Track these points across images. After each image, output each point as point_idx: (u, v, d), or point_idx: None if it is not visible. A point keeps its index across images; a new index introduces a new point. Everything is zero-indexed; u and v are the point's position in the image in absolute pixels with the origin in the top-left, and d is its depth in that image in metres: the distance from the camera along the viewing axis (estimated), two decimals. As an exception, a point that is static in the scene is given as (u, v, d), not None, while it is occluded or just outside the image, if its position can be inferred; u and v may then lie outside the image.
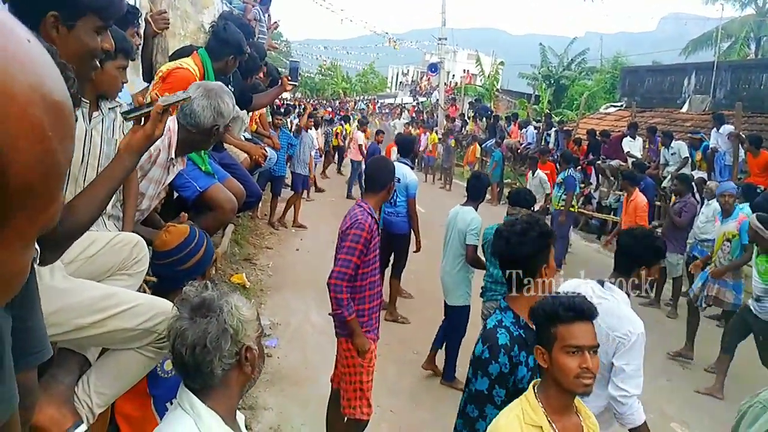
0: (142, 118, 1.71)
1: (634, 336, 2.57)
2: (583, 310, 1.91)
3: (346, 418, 3.48)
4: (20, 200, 0.42)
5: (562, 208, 9.17)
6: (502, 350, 2.16)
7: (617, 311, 2.65)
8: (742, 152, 10.10)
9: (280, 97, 7.66)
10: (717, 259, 6.01)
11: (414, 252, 6.47)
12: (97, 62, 1.78)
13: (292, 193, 10.30)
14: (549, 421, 1.89)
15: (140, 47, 3.99)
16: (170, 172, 2.63)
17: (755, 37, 23.81)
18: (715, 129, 10.99)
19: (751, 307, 5.08)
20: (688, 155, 11.02)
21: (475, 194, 5.28)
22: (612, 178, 11.44)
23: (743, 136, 10.06)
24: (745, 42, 23.71)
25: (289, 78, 4.72)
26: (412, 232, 6.42)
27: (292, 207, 10.15)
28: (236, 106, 4.55)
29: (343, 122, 19.19)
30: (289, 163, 10.51)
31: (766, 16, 23.71)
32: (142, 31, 4.10)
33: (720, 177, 10.38)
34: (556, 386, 1.92)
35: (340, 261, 3.25)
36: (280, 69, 7.94)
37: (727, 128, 10.67)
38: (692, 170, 10.63)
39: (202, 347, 1.44)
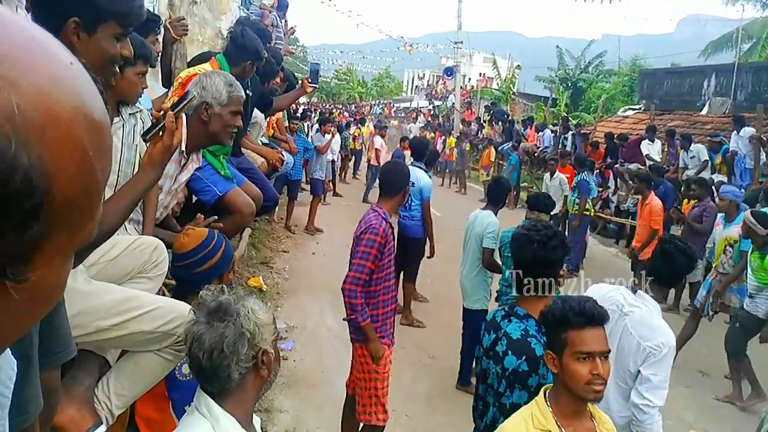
0: (160, 132, 1.75)
1: (666, 348, 2.54)
2: (593, 315, 1.88)
3: (361, 424, 3.48)
4: (62, 218, 0.43)
5: (577, 212, 9.15)
6: (541, 362, 2.13)
7: (650, 321, 2.62)
8: (763, 155, 9.96)
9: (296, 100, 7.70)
10: (720, 264, 6.00)
11: (428, 258, 6.44)
12: (117, 68, 1.82)
13: (311, 197, 10.33)
14: (559, 426, 1.87)
15: (160, 54, 4.05)
16: (184, 168, 2.62)
17: (777, 38, 23.42)
18: (735, 132, 10.85)
19: (744, 305, 5.15)
20: (707, 158, 10.90)
21: (495, 199, 5.26)
22: (630, 182, 11.33)
23: (765, 138, 9.92)
24: (766, 43, 23.33)
25: (310, 80, 4.71)
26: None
27: (311, 209, 10.14)
28: (256, 110, 4.62)
29: (359, 125, 19.23)
30: (305, 168, 10.56)
31: (789, 17, 23.29)
32: (161, 38, 4.17)
33: (740, 180, 10.24)
34: (566, 391, 1.90)
35: (354, 266, 3.26)
36: (296, 74, 7.99)
37: (748, 131, 10.52)
38: (712, 173, 10.50)
39: (219, 352, 1.45)
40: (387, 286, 3.39)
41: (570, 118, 19.85)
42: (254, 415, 1.61)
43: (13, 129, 0.39)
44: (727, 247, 5.97)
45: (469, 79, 36.01)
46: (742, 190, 7.65)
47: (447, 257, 7.04)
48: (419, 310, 6.58)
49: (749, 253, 5.17)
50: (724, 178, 10.28)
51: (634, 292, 2.73)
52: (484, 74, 34.75)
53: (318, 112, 21.28)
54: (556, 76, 27.66)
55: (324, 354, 5.34)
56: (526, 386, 2.12)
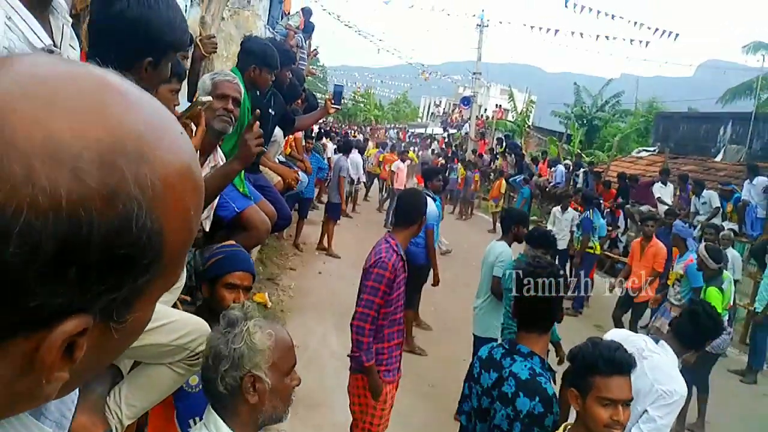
0: None
1: (677, 396, 2.62)
2: (622, 365, 1.94)
3: None
4: (164, 268, 0.50)
5: (579, 249, 9.24)
6: (554, 400, 2.13)
7: (667, 369, 2.71)
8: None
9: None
10: (669, 297, 6.29)
11: (432, 285, 6.44)
12: None
13: (325, 218, 10.37)
14: None
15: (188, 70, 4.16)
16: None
17: (796, 89, 23.49)
18: (748, 180, 10.86)
19: None
20: (719, 205, 10.90)
21: (507, 229, 5.32)
22: (640, 224, 11.34)
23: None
24: (786, 94, 23.39)
25: (333, 101, 4.76)
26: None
27: (327, 232, 10.17)
28: (277, 129, 4.71)
29: (381, 149, 19.58)
30: (318, 187, 10.61)
31: (808, 68, 23.37)
32: (190, 54, 4.29)
33: (751, 230, 10.25)
34: (586, 430, 1.96)
35: (362, 302, 3.19)
36: (314, 93, 8.12)
37: (761, 180, 10.55)
38: (723, 221, 10.49)
39: (208, 361, 1.51)
40: (394, 320, 3.32)
41: (584, 156, 19.91)
42: None
43: (144, 198, 0.45)
44: (676, 282, 6.32)
45: (485, 109, 36.29)
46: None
47: (451, 285, 7.05)
48: (422, 337, 6.57)
49: (704, 288, 5.54)
50: (735, 226, 10.28)
51: (657, 341, 2.81)
52: (500, 106, 35.03)
53: (338, 134, 21.57)
54: (572, 112, 27.77)
55: (326, 375, 5.33)
56: (543, 428, 2.10)
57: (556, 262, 7.29)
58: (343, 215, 13.55)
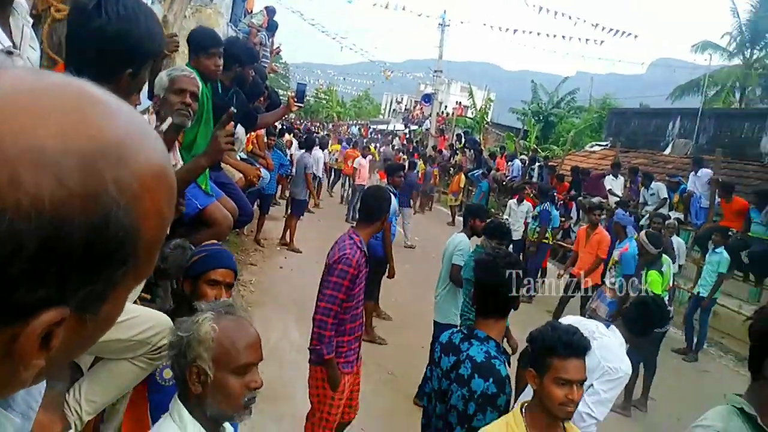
0: None
1: (621, 373, 2.86)
2: (579, 348, 2.09)
3: None
4: (138, 262, 0.53)
5: (535, 239, 9.60)
6: (507, 381, 2.23)
7: (614, 349, 2.96)
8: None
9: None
10: (605, 281, 6.69)
11: (388, 278, 6.58)
12: None
13: (289, 214, 10.42)
14: None
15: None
16: None
17: (740, 86, 24.63)
18: (693, 172, 11.39)
19: None
20: (666, 196, 11.41)
21: (465, 222, 5.59)
22: (588, 212, 11.78)
23: (720, 181, 10.47)
24: (730, 91, 24.48)
25: (296, 99, 4.83)
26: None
27: (290, 228, 10.21)
28: (239, 126, 4.77)
29: (347, 144, 19.66)
30: (280, 183, 10.62)
31: (752, 67, 24.56)
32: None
33: (695, 219, 10.76)
34: (542, 407, 2.10)
35: (326, 297, 3.23)
36: (276, 89, 8.18)
37: (705, 172, 11.06)
38: (669, 211, 11.01)
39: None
40: (355, 314, 3.39)
41: (539, 150, 20.44)
42: (227, 424, 1.65)
43: (123, 198, 0.49)
44: (612, 267, 6.71)
45: (446, 106, 36.68)
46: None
47: (410, 277, 7.19)
48: (382, 327, 6.72)
49: (644, 272, 5.84)
50: (681, 216, 10.80)
51: (608, 326, 3.07)
52: (460, 103, 35.48)
53: (300, 131, 21.53)
54: (529, 109, 28.40)
55: (285, 368, 5.39)
56: (496, 407, 2.19)
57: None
58: (306, 210, 13.67)
